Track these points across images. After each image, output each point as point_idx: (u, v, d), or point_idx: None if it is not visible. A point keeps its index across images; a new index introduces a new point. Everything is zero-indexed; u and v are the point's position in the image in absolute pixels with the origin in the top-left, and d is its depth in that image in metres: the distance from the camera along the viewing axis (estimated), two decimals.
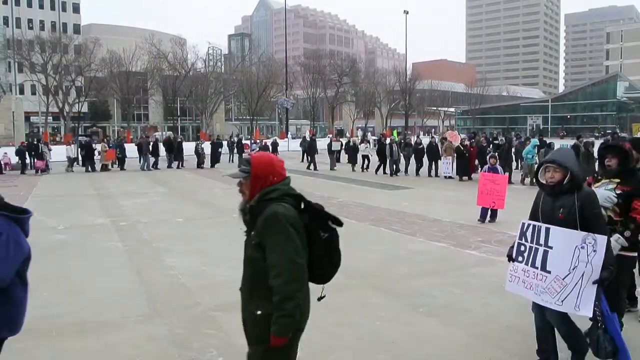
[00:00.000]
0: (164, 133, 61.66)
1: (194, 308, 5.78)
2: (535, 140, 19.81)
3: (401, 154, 22.04)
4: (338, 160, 27.24)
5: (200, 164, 27.43)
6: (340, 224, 2.84)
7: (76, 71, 62.38)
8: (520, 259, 3.85)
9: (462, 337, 4.80)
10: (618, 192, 4.37)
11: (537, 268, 3.73)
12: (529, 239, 3.81)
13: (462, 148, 19.58)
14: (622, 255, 4.27)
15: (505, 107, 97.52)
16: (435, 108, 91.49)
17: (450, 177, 19.96)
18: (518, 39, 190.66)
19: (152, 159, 26.73)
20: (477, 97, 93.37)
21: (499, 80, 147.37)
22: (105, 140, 30.00)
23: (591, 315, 3.54)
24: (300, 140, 37.11)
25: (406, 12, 63.14)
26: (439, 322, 5.22)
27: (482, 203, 10.73)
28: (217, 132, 59.30)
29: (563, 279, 3.59)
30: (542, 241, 3.72)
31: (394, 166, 21.48)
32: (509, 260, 3.97)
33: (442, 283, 6.53)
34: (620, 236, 4.27)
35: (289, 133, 56.23)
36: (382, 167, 22.30)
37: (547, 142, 20.55)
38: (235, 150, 30.30)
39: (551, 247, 3.67)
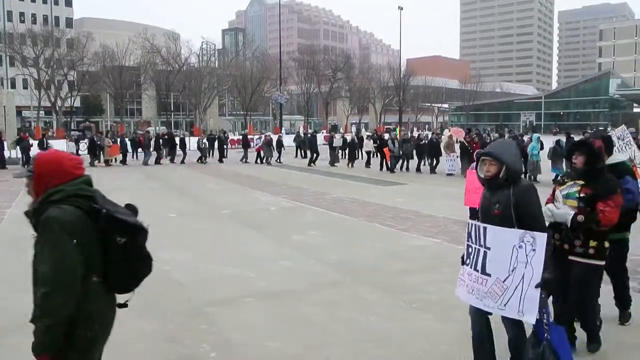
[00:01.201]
0: (157, 128, 61.42)
1: (186, 303, 5.75)
2: (537, 135, 19.16)
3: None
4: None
5: (202, 159, 27.53)
6: (139, 229, 2.52)
7: (68, 65, 61.95)
8: (467, 261, 3.63)
9: (456, 332, 4.80)
10: (582, 195, 4.06)
11: (478, 271, 3.50)
12: (473, 240, 3.56)
13: (466, 144, 19.06)
14: (592, 265, 4.04)
15: (499, 103, 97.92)
16: (429, 104, 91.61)
17: (450, 174, 19.48)
18: (512, 36, 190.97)
19: (154, 154, 26.88)
20: (470, 94, 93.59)
21: (493, 77, 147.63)
22: (109, 135, 30.01)
23: (534, 322, 3.33)
24: (294, 135, 36.96)
25: (400, 8, 63.04)
26: (433, 318, 5.23)
27: (470, 203, 10.00)
28: (211, 127, 59.13)
29: (503, 282, 3.35)
30: (482, 242, 3.48)
31: (395, 162, 21.24)
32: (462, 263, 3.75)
33: (436, 279, 6.53)
34: (569, 211, 4.01)
35: (283, 128, 56.09)
36: (383, 163, 22.05)
37: (557, 139, 19.50)
38: (241, 145, 30.36)
39: (489, 248, 3.43)
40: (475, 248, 3.53)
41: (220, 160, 28.29)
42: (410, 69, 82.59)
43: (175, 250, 8.25)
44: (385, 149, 21.69)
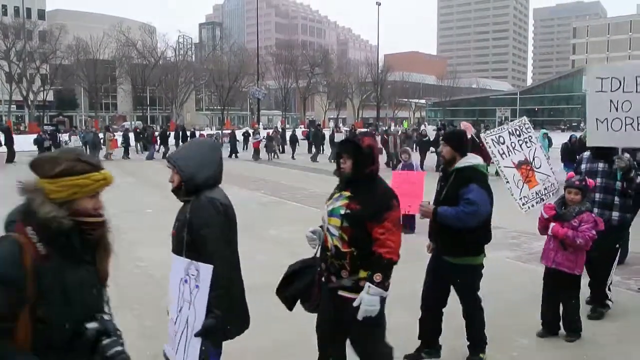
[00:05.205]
0: (132, 123, 60.67)
1: (163, 300, 5.70)
2: (544, 130, 18.05)
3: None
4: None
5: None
6: None
7: (41, 58, 60.71)
8: None
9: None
10: (347, 211, 3.12)
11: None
12: None
13: (477, 140, 18.29)
14: (344, 297, 3.16)
15: (475, 99, 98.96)
16: (406, 100, 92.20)
17: None
18: (488, 32, 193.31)
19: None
20: (447, 89, 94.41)
21: (469, 73, 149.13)
22: (110, 129, 30.06)
23: None
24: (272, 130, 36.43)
25: (378, 4, 63.20)
26: (408, 313, 5.27)
27: None
28: (187, 121, 58.67)
29: (175, 324, 2.62)
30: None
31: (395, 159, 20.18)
32: None
33: (410, 272, 6.60)
34: (371, 285, 3.03)
35: (261, 123, 55.95)
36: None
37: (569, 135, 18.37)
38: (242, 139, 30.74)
39: (169, 280, 2.73)
40: None
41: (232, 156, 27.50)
42: (388, 64, 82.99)
43: (152, 246, 8.18)
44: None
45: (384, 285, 3.07)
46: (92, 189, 1.94)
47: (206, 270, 2.48)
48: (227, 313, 2.66)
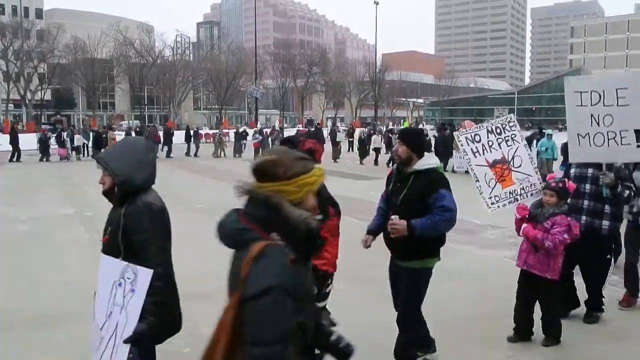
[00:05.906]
0: (130, 122, 60.64)
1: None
2: (549, 131, 17.71)
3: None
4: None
5: (217, 153, 27.56)
6: None
7: (39, 57, 60.65)
8: None
9: (428, 325, 4.86)
10: None
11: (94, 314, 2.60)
12: None
13: None
14: None
15: (473, 98, 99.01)
16: (404, 99, 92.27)
17: (467, 172, 17.32)
18: (486, 32, 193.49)
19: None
20: (445, 89, 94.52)
21: (467, 72, 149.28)
22: (112, 128, 30.31)
23: None
24: (269, 129, 36.30)
25: (376, 3, 63.19)
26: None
27: None
28: (185, 121, 58.65)
29: (100, 329, 2.47)
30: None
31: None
32: None
33: None
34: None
35: (259, 123, 55.91)
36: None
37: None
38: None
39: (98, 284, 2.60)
40: None
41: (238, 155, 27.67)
42: (386, 64, 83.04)
43: None
44: None
45: (319, 296, 2.80)
46: (317, 185, 1.89)
47: (145, 275, 2.40)
48: (161, 317, 2.57)
